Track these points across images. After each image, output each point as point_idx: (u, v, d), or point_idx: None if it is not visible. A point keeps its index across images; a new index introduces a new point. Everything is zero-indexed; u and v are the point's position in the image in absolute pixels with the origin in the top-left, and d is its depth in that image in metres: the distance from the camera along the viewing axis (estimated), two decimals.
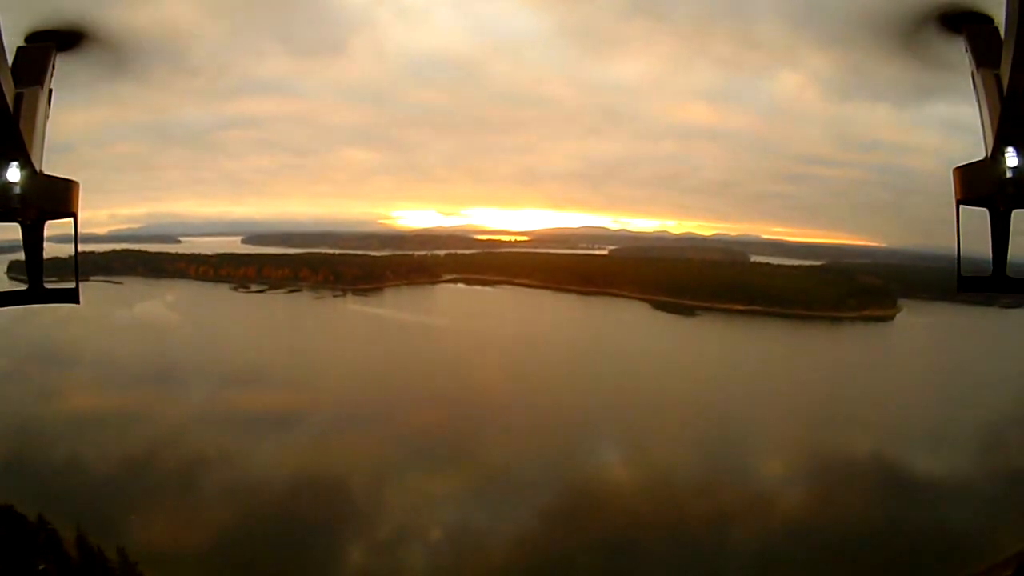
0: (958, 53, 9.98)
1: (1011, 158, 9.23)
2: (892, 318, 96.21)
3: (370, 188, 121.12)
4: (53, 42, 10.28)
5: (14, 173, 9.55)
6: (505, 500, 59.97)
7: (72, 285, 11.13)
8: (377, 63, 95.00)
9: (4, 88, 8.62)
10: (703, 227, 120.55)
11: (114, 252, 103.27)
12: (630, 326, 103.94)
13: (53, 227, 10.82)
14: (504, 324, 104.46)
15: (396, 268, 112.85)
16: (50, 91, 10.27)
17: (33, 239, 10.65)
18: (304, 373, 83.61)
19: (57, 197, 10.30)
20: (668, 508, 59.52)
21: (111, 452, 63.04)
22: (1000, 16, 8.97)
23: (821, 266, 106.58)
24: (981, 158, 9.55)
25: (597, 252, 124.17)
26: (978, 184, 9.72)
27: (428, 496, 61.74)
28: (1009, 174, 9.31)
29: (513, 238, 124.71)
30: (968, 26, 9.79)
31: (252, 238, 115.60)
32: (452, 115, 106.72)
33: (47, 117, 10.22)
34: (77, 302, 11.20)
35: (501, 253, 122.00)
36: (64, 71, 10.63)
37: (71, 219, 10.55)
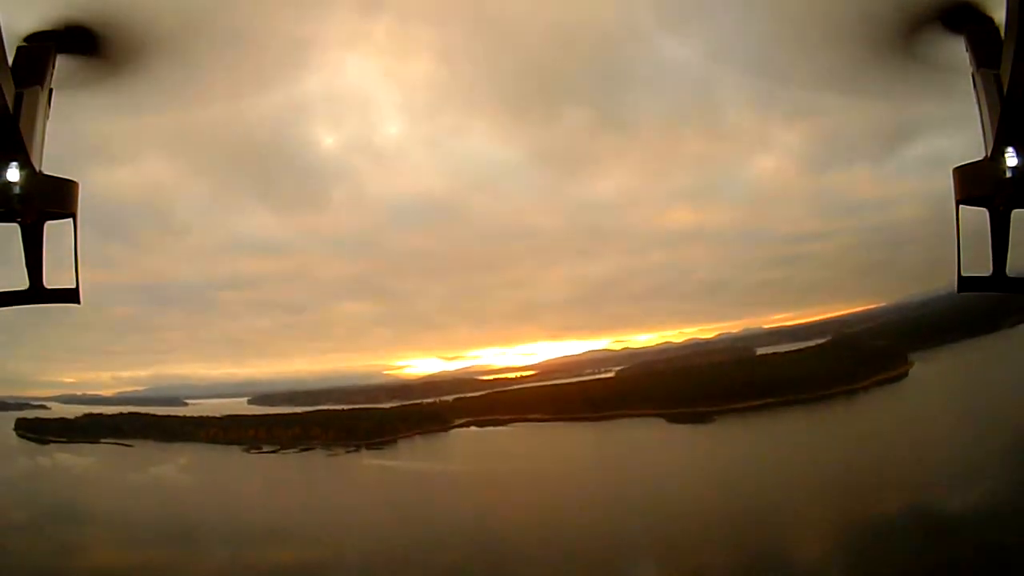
0: (957, 55, 10.44)
1: (1011, 158, 9.59)
2: (906, 375, 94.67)
3: (370, 340, 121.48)
4: (53, 42, 10.58)
5: (14, 173, 9.85)
6: None
7: (72, 285, 11.25)
8: (360, 212, 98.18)
9: (4, 88, 9.03)
10: (704, 330, 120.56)
11: (122, 415, 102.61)
12: (648, 444, 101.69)
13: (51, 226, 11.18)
14: (520, 462, 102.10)
15: (407, 418, 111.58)
16: (50, 91, 10.66)
17: (33, 239, 10.91)
18: (324, 529, 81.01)
19: (57, 197, 10.63)
20: None
21: None
22: (1000, 16, 9.34)
23: (827, 343, 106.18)
24: (981, 158, 9.96)
25: (604, 376, 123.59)
26: (978, 184, 10.08)
27: None
28: (1009, 174, 9.65)
29: (519, 374, 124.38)
30: (968, 26, 10.19)
31: (258, 398, 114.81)
32: (441, 258, 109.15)
33: (47, 117, 10.59)
34: (78, 302, 11.25)
35: (509, 391, 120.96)
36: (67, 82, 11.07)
37: (71, 219, 10.89)
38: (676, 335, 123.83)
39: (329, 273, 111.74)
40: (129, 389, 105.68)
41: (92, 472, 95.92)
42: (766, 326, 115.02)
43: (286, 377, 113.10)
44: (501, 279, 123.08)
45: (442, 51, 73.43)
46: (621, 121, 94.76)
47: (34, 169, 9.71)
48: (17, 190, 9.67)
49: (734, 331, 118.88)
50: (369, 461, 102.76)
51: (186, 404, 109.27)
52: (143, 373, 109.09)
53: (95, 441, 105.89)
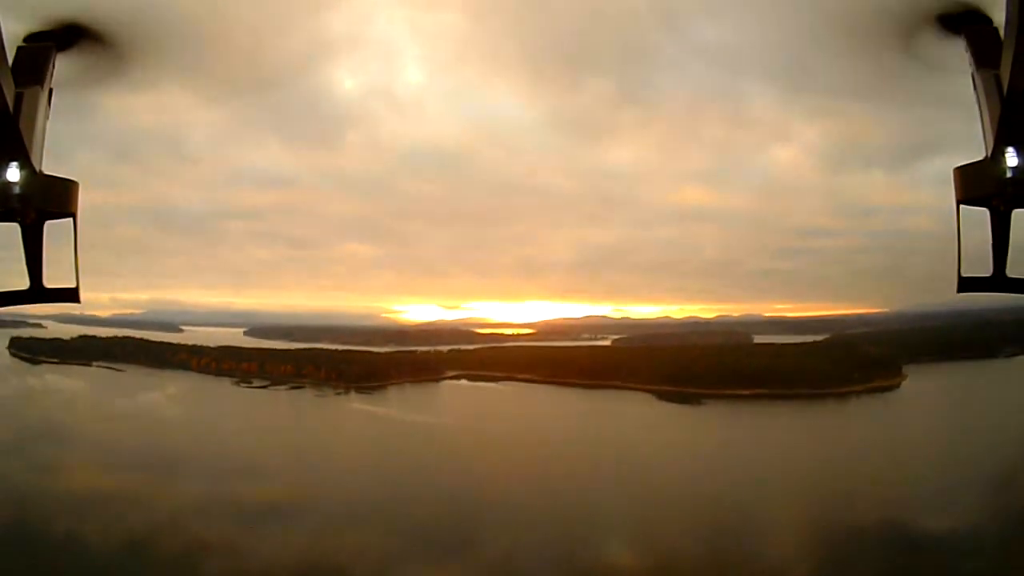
0: (957, 58, 10.18)
1: (1011, 158, 9.34)
2: (898, 387, 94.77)
3: (371, 282, 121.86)
4: (53, 42, 10.45)
5: (14, 173, 9.74)
6: None
7: (72, 285, 11.18)
8: (373, 155, 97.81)
9: (4, 88, 8.84)
10: (705, 310, 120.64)
11: (115, 338, 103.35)
12: (635, 419, 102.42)
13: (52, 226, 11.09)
14: (507, 422, 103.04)
15: (399, 365, 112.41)
16: (50, 91, 10.50)
17: (33, 239, 10.78)
18: (303, 470, 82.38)
19: (57, 197, 10.50)
20: None
21: (111, 534, 62.44)
22: (1000, 17, 9.08)
23: (824, 341, 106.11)
24: (981, 158, 9.68)
25: (600, 343, 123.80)
26: (978, 184, 9.81)
27: None
28: (1009, 174, 9.41)
29: (516, 331, 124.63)
30: (968, 27, 9.95)
31: (254, 330, 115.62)
32: (449, 206, 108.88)
33: (47, 117, 10.45)
34: (78, 301, 11.25)
35: (504, 348, 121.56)
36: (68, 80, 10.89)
37: (71, 219, 10.76)
38: (676, 311, 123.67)
39: (336, 211, 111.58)
40: (126, 311, 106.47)
41: (81, 395, 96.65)
42: (766, 314, 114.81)
43: (284, 311, 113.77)
44: (506, 234, 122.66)
45: (471, 7, 72.08)
46: (643, 97, 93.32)
47: (34, 169, 9.68)
48: (17, 190, 9.53)
49: (734, 315, 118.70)
50: (357, 406, 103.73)
51: (181, 331, 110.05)
52: (142, 296, 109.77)
53: (87, 364, 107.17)
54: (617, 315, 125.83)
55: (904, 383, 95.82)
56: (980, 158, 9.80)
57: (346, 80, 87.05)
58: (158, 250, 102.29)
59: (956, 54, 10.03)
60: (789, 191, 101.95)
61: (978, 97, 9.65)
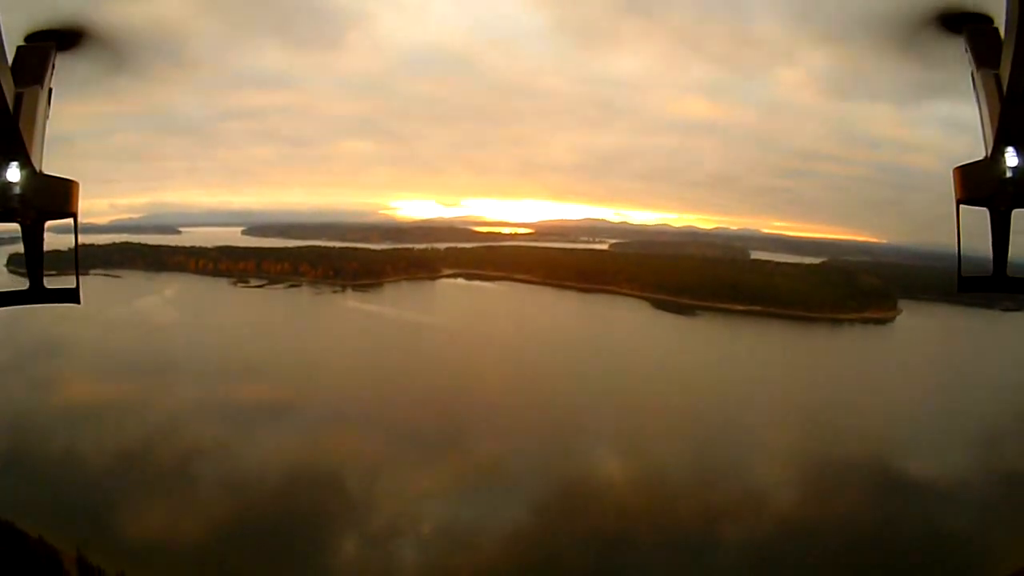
0: (958, 53, 10.02)
1: (1011, 158, 9.19)
2: (892, 320, 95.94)
3: (369, 178, 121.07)
4: (53, 42, 10.32)
5: (14, 173, 9.50)
6: (496, 496, 60.40)
7: (72, 284, 10.96)
8: (374, 55, 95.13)
9: (4, 88, 8.64)
10: (704, 220, 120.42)
11: (114, 245, 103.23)
12: (630, 326, 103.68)
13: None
14: (502, 322, 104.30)
15: (396, 263, 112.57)
16: (50, 91, 10.30)
17: (33, 239, 10.60)
18: (301, 370, 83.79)
19: (57, 197, 10.25)
20: (660, 507, 59.91)
21: (107, 444, 63.83)
22: (1000, 16, 9.01)
23: (821, 264, 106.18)
24: (981, 158, 9.51)
25: (597, 246, 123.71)
26: (978, 184, 9.66)
27: (419, 491, 62.10)
28: (1009, 174, 9.28)
29: (513, 230, 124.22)
30: (968, 26, 9.81)
31: (252, 229, 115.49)
32: (449, 107, 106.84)
33: (47, 117, 10.25)
34: (78, 302, 11.06)
35: (501, 247, 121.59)
36: (64, 68, 10.67)
37: (71, 219, 10.48)
38: (675, 219, 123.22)
39: (334, 110, 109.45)
40: (125, 216, 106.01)
41: (77, 306, 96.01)
42: (765, 230, 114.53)
43: (282, 208, 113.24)
44: (506, 134, 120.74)
45: None
46: (651, 7, 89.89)
47: (34, 169, 9.56)
48: (17, 190, 9.44)
49: (732, 228, 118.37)
50: (353, 304, 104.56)
51: (179, 232, 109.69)
52: (140, 201, 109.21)
53: (84, 273, 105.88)
54: (616, 219, 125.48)
55: (898, 318, 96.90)
56: (980, 158, 9.52)
57: None
58: (157, 155, 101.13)
59: (957, 52, 9.95)
60: (793, 113, 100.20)
61: (978, 97, 9.50)
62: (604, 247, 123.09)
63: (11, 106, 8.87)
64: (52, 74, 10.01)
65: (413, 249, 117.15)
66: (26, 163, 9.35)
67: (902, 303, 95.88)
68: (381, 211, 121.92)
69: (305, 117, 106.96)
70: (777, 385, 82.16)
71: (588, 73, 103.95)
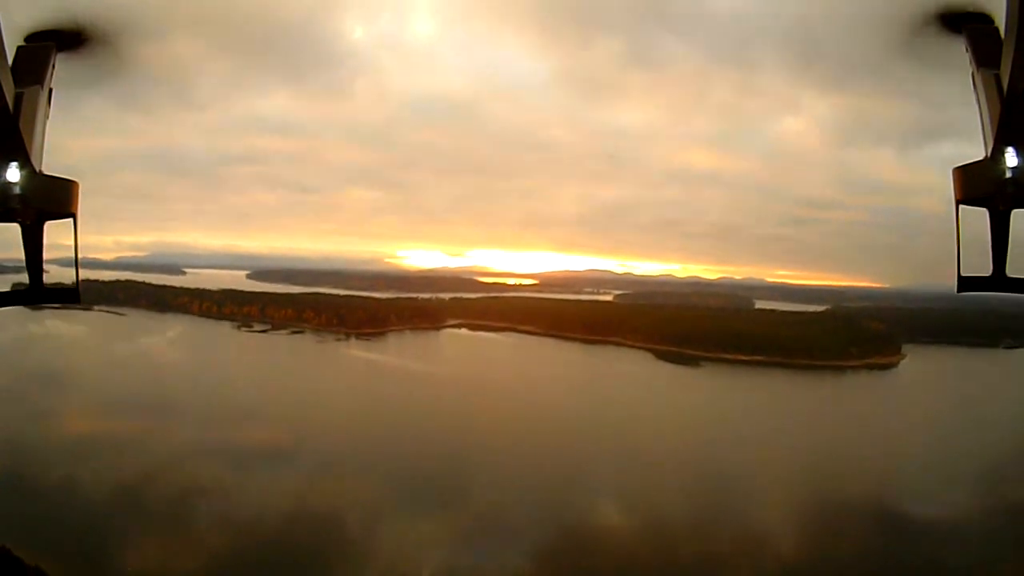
0: (958, 55, 9.50)
1: (1011, 158, 8.53)
2: (896, 365, 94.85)
3: (375, 227, 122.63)
4: (53, 42, 9.62)
5: (14, 173, 9.72)
6: (497, 544, 59.42)
7: (72, 284, 11.19)
8: (380, 104, 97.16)
9: (4, 88, 8.59)
10: (708, 271, 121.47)
11: (118, 282, 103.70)
12: (633, 377, 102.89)
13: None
14: (506, 373, 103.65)
15: (400, 312, 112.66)
16: (50, 91, 10.33)
17: (33, 239, 10.90)
18: (302, 415, 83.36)
19: (57, 197, 10.38)
20: (664, 558, 58.69)
21: (106, 478, 63.50)
22: (1000, 16, 8.61)
23: (824, 312, 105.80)
24: (981, 158, 9.13)
25: (602, 298, 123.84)
26: (978, 184, 9.05)
27: (419, 538, 61.18)
28: (1009, 174, 8.62)
29: (518, 281, 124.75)
30: (968, 26, 9.19)
31: (257, 273, 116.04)
32: (455, 157, 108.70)
33: (47, 117, 10.19)
34: (78, 301, 11.13)
35: (505, 298, 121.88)
36: (67, 80, 11.02)
37: (71, 219, 10.74)
38: (679, 270, 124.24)
39: (341, 158, 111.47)
40: (129, 254, 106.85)
41: (81, 340, 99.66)
42: (768, 279, 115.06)
43: (287, 255, 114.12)
44: (512, 186, 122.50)
45: None
46: (652, 58, 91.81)
47: (34, 169, 9.46)
48: (17, 190, 9.34)
49: (737, 277, 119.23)
50: (356, 352, 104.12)
51: (184, 273, 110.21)
52: (145, 239, 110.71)
53: (88, 308, 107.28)
54: (620, 270, 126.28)
55: (902, 363, 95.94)
56: (980, 158, 9.48)
57: (356, 29, 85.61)
58: (162, 195, 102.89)
59: (959, 52, 9.92)
60: (796, 161, 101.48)
61: (978, 97, 8.77)
62: (608, 298, 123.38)
63: (11, 106, 8.94)
64: (52, 74, 10.16)
65: (418, 298, 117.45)
66: (26, 163, 9.43)
67: (906, 347, 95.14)
68: (386, 260, 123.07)
69: (311, 164, 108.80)
70: (781, 437, 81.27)
71: (593, 124, 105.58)
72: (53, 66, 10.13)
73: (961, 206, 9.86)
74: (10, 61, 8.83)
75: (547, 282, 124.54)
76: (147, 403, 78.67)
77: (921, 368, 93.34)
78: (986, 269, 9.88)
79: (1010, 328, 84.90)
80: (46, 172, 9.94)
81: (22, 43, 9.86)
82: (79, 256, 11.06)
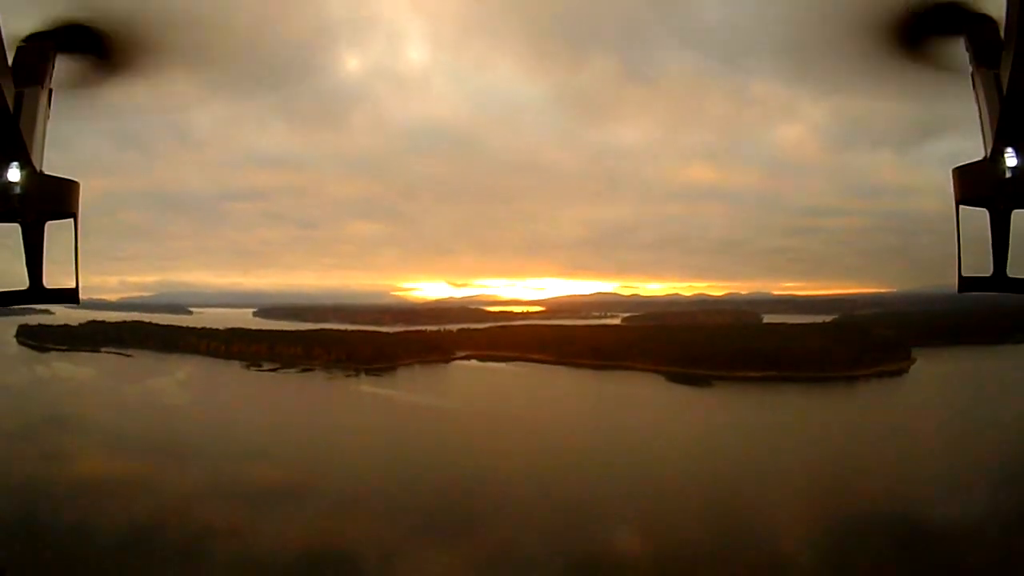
0: (958, 55, 10.40)
1: (1011, 158, 8.65)
2: (907, 371, 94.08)
3: (379, 259, 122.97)
4: (53, 42, 9.79)
5: (14, 173, 9.93)
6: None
7: (72, 285, 11.33)
8: (377, 135, 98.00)
9: (4, 88, 8.82)
10: (714, 287, 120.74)
11: (125, 323, 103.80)
12: (646, 402, 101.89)
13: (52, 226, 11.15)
14: (517, 404, 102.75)
15: (409, 346, 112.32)
16: (50, 91, 10.52)
17: (33, 239, 11.09)
18: (310, 455, 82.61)
19: (57, 197, 10.53)
20: None
21: (116, 521, 63.19)
22: (1000, 16, 8.67)
23: (833, 322, 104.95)
24: (981, 158, 9.19)
25: (610, 321, 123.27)
26: (978, 184, 9.09)
27: (437, 570, 60.62)
28: (1009, 174, 8.74)
29: (525, 309, 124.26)
30: (968, 26, 9.22)
31: (263, 311, 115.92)
32: (454, 185, 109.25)
33: (47, 117, 10.35)
34: (77, 302, 11.27)
35: (513, 327, 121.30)
36: (68, 82, 11.20)
37: (71, 219, 10.93)
38: (685, 288, 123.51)
39: (342, 191, 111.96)
40: (135, 294, 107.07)
41: (89, 382, 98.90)
42: (775, 292, 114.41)
43: (292, 291, 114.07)
44: (513, 212, 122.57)
45: None
46: (647, 74, 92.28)
47: (34, 169, 9.54)
48: (17, 190, 9.42)
49: (743, 292, 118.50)
50: (367, 388, 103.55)
51: (190, 312, 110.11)
52: (150, 279, 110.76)
53: (95, 350, 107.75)
54: (626, 292, 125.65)
55: (913, 368, 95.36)
56: (979, 158, 9.49)
57: (350, 61, 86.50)
58: (165, 233, 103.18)
59: (959, 52, 9.95)
60: (796, 169, 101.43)
61: (978, 97, 8.73)
62: (616, 321, 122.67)
63: (11, 106, 9.09)
64: (52, 75, 10.32)
65: (426, 331, 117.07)
66: (26, 163, 9.58)
67: (916, 351, 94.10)
68: (392, 292, 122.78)
69: (312, 198, 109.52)
70: (797, 451, 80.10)
71: (591, 145, 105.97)
72: (53, 66, 10.32)
73: (961, 206, 9.93)
74: (10, 61, 9.00)
75: (554, 308, 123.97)
76: (155, 444, 77.92)
77: (932, 371, 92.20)
78: (986, 269, 9.92)
79: (1019, 323, 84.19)
80: (46, 172, 10.11)
81: (22, 43, 10.08)
82: (79, 257, 11.20)
